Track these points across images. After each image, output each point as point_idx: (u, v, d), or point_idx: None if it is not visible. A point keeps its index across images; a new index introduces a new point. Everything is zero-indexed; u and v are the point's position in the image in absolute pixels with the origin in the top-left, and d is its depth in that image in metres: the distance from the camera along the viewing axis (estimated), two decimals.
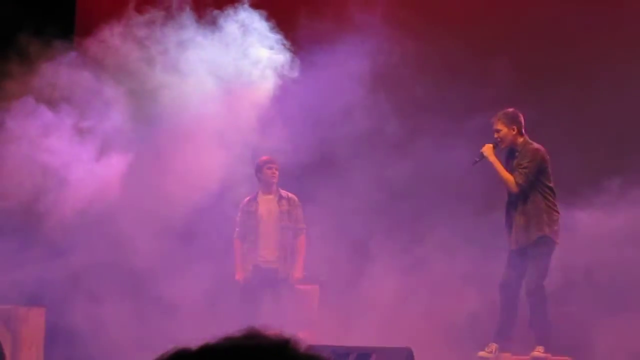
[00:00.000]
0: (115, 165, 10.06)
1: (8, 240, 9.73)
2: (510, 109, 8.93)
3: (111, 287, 9.96)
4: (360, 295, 10.14)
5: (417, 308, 9.97)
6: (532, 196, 8.76)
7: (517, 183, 8.70)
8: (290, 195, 9.98)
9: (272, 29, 10.25)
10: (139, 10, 10.21)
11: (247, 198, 10.02)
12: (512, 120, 8.85)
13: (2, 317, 9.50)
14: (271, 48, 10.21)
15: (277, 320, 9.43)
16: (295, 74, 10.13)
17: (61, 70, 10.04)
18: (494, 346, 8.81)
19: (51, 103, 10.06)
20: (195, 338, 2.13)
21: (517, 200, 8.80)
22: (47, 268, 9.81)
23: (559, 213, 8.82)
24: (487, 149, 8.83)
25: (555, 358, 8.83)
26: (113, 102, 10.10)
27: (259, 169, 9.94)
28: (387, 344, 8.14)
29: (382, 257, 10.20)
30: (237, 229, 9.98)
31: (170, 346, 1.96)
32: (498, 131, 8.85)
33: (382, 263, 10.19)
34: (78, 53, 10.25)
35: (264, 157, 9.96)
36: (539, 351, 8.75)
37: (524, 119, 8.93)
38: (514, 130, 8.83)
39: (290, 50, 10.21)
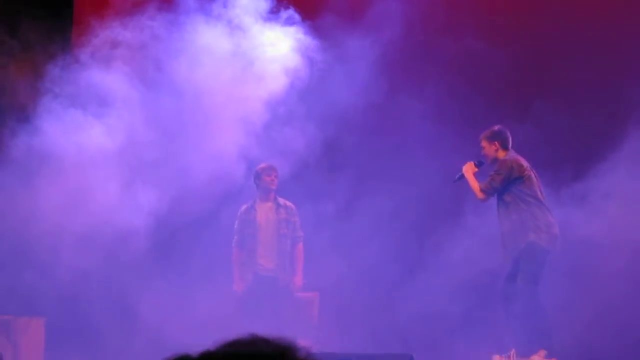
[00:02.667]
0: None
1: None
2: (496, 127, 9.14)
3: (108, 295, 9.95)
4: (360, 302, 10.13)
5: (417, 313, 9.98)
6: (515, 206, 8.93)
7: (480, 189, 8.95)
8: (288, 203, 9.96)
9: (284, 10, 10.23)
10: None
11: (245, 206, 9.99)
12: (494, 137, 9.09)
13: (2, 328, 9.49)
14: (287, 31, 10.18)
15: (278, 328, 9.44)
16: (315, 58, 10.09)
17: (65, 66, 9.97)
18: (513, 351, 8.83)
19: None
20: (196, 345, 2.12)
21: (503, 213, 8.98)
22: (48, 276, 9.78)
23: (549, 220, 8.92)
24: (467, 167, 9.12)
25: None
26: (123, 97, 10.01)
27: (257, 176, 9.91)
28: (388, 351, 8.14)
29: (383, 262, 10.20)
30: (235, 237, 9.95)
31: (170, 353, 1.96)
32: (482, 148, 9.10)
33: (382, 268, 10.19)
34: (79, 46, 10.17)
35: (263, 165, 9.94)
36: (540, 355, 8.74)
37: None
38: (495, 146, 9.06)
39: (309, 33, 10.16)
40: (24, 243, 9.68)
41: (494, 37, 10.50)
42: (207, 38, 10.02)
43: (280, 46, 10.13)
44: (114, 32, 9.95)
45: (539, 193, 8.96)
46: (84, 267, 9.65)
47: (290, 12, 10.22)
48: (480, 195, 8.98)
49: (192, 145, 9.94)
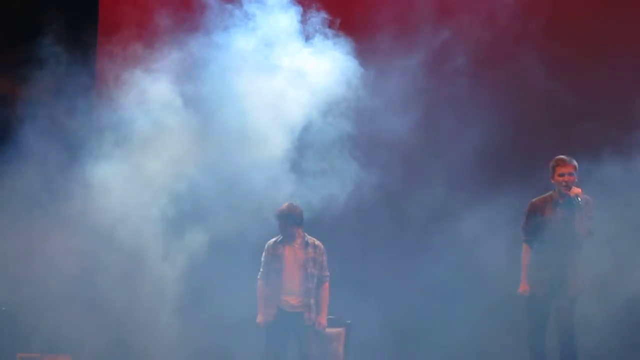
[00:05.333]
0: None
1: None
2: None
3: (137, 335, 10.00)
4: (386, 334, 10.15)
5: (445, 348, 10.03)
6: (582, 250, 8.64)
7: (590, 232, 8.53)
8: (316, 242, 9.79)
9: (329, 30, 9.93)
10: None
11: (273, 239, 9.82)
12: None
13: None
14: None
15: None
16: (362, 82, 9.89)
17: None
18: None
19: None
20: None
21: (577, 254, 8.64)
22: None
23: None
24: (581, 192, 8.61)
25: None
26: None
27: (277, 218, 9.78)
28: None
29: (410, 296, 10.17)
30: (260, 270, 9.82)
31: None
32: (572, 175, 8.61)
33: (410, 302, 10.17)
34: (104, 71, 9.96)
35: (283, 207, 9.76)
36: None
37: None
38: None
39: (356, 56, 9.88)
40: (53, 283, 9.69)
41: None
42: (243, 56, 9.75)
43: (318, 62, 9.85)
44: (141, 55, 9.69)
45: None
46: (115, 308, 9.68)
47: (325, 18, 9.87)
48: (587, 235, 8.55)
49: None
